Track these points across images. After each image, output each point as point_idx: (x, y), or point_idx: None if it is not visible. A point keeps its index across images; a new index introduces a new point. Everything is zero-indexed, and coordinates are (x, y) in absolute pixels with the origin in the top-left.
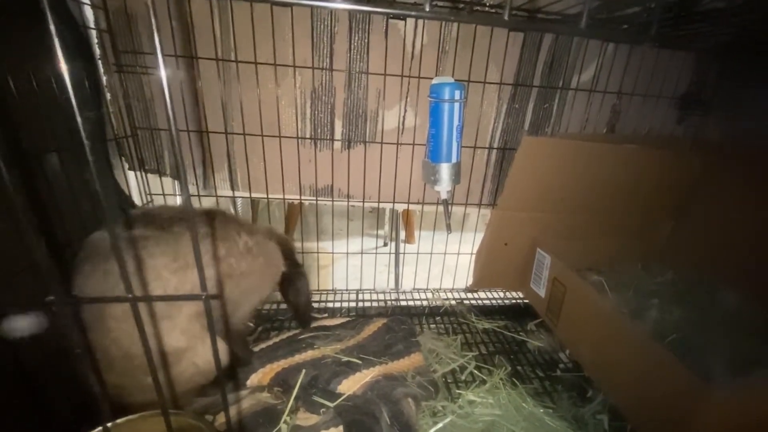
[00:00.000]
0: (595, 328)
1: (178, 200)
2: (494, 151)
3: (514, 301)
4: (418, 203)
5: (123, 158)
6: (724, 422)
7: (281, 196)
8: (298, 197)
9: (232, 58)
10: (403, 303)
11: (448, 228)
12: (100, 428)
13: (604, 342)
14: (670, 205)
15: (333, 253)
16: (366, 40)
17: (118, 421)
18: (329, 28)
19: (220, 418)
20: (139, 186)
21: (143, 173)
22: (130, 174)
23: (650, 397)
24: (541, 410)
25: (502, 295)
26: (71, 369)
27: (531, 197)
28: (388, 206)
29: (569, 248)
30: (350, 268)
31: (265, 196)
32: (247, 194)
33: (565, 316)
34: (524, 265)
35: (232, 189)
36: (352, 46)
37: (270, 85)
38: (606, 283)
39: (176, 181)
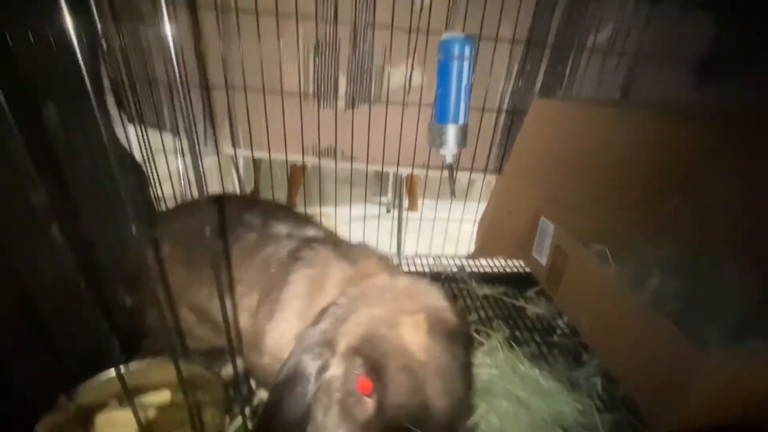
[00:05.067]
0: (595, 296)
1: (179, 162)
2: (503, 114)
3: (515, 269)
4: (422, 167)
5: (122, 111)
6: (716, 387)
7: (283, 156)
8: (300, 157)
9: (232, 7)
10: (405, 269)
11: (453, 193)
12: (113, 369)
13: (603, 309)
14: (679, 176)
15: (336, 217)
16: None
17: (130, 365)
18: None
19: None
20: (139, 141)
21: (143, 127)
22: (130, 129)
23: (645, 362)
24: (537, 371)
25: (503, 263)
26: (83, 313)
27: (538, 165)
28: (391, 170)
29: (573, 218)
30: (352, 235)
31: (267, 156)
32: (248, 153)
33: (565, 283)
34: (527, 234)
35: (234, 147)
36: None
37: (271, 37)
38: (609, 253)
39: (176, 137)
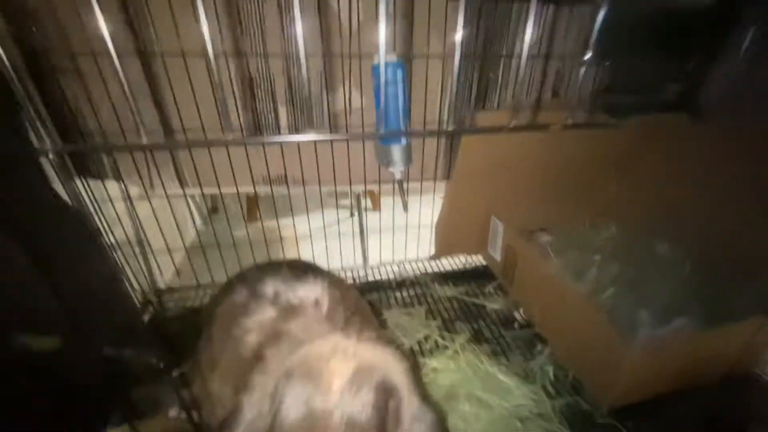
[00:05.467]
0: (542, 289)
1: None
2: (444, 125)
3: (475, 264)
4: (375, 183)
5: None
6: (641, 367)
7: (234, 190)
8: (251, 189)
9: (156, 50)
10: (371, 279)
11: (405, 207)
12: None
13: (550, 301)
14: (613, 167)
15: (295, 229)
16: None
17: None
18: (258, 8)
19: None
20: (82, 193)
21: (83, 179)
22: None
23: (586, 349)
24: (496, 368)
25: (464, 260)
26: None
27: (483, 168)
28: (344, 189)
29: (522, 213)
30: (316, 247)
31: (217, 191)
32: (197, 191)
33: (518, 278)
34: (482, 231)
35: (182, 186)
36: (285, 27)
37: (203, 77)
38: (551, 247)
39: (120, 183)
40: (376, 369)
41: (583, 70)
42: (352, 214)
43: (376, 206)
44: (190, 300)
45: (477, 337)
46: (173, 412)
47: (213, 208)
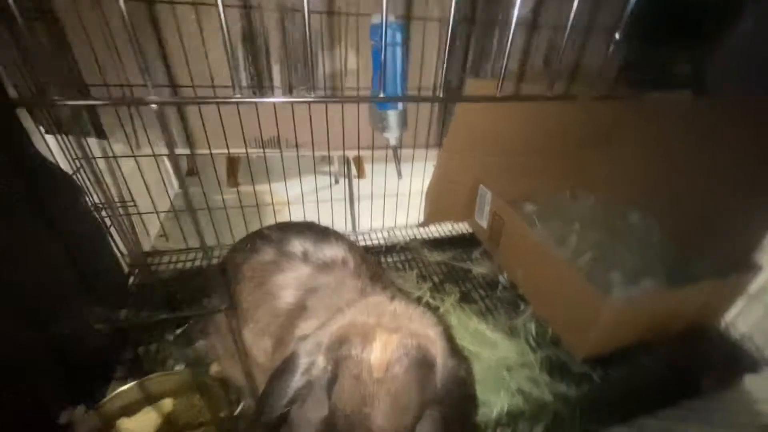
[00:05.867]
0: (526, 254)
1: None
2: (438, 92)
3: (461, 232)
4: (368, 149)
5: (37, 122)
6: (617, 323)
7: (225, 151)
8: (243, 151)
9: None
10: (362, 243)
11: (399, 173)
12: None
13: (533, 266)
14: (595, 140)
15: (289, 201)
16: None
17: (151, 376)
18: None
19: None
20: (63, 150)
21: (63, 136)
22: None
23: (565, 306)
24: (484, 326)
25: (451, 227)
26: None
27: (473, 138)
28: (338, 153)
29: (509, 183)
30: (301, 213)
31: (208, 152)
32: (187, 151)
33: (503, 244)
34: (469, 200)
35: (170, 147)
36: None
37: (192, 28)
38: (536, 215)
39: (103, 140)
40: (419, 339)
41: (611, 47)
42: (336, 181)
43: (362, 174)
44: (181, 263)
45: (465, 298)
46: (179, 368)
47: (189, 170)
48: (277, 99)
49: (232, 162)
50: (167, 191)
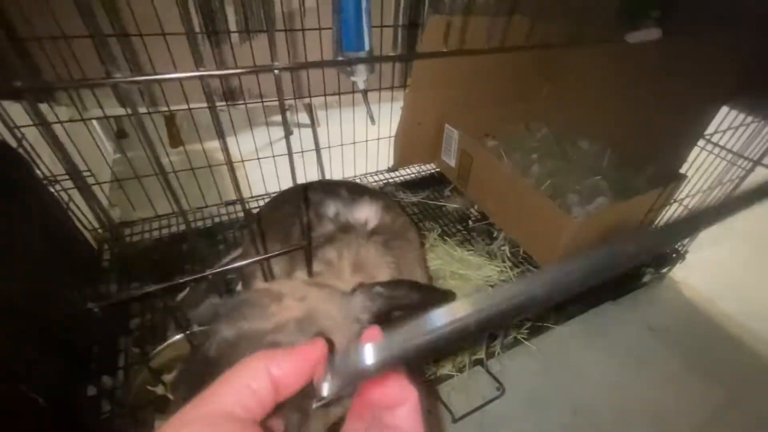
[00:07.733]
0: (496, 186)
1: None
2: (400, 29)
3: (430, 172)
4: (335, 94)
5: None
6: (578, 236)
7: (185, 106)
8: (205, 105)
9: None
10: None
11: (371, 118)
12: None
13: (503, 195)
14: (547, 71)
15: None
16: None
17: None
18: None
19: None
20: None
21: None
22: None
23: (534, 228)
24: (466, 253)
25: (419, 168)
26: None
27: (437, 77)
28: (305, 101)
29: (470, 119)
30: (264, 170)
31: (166, 109)
32: (143, 109)
33: (473, 179)
34: (436, 141)
35: (124, 104)
36: None
37: None
38: (502, 149)
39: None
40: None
41: None
42: (291, 132)
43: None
44: (155, 230)
45: (445, 232)
46: (177, 337)
47: (119, 131)
48: (241, 70)
49: (170, 122)
50: (104, 157)
